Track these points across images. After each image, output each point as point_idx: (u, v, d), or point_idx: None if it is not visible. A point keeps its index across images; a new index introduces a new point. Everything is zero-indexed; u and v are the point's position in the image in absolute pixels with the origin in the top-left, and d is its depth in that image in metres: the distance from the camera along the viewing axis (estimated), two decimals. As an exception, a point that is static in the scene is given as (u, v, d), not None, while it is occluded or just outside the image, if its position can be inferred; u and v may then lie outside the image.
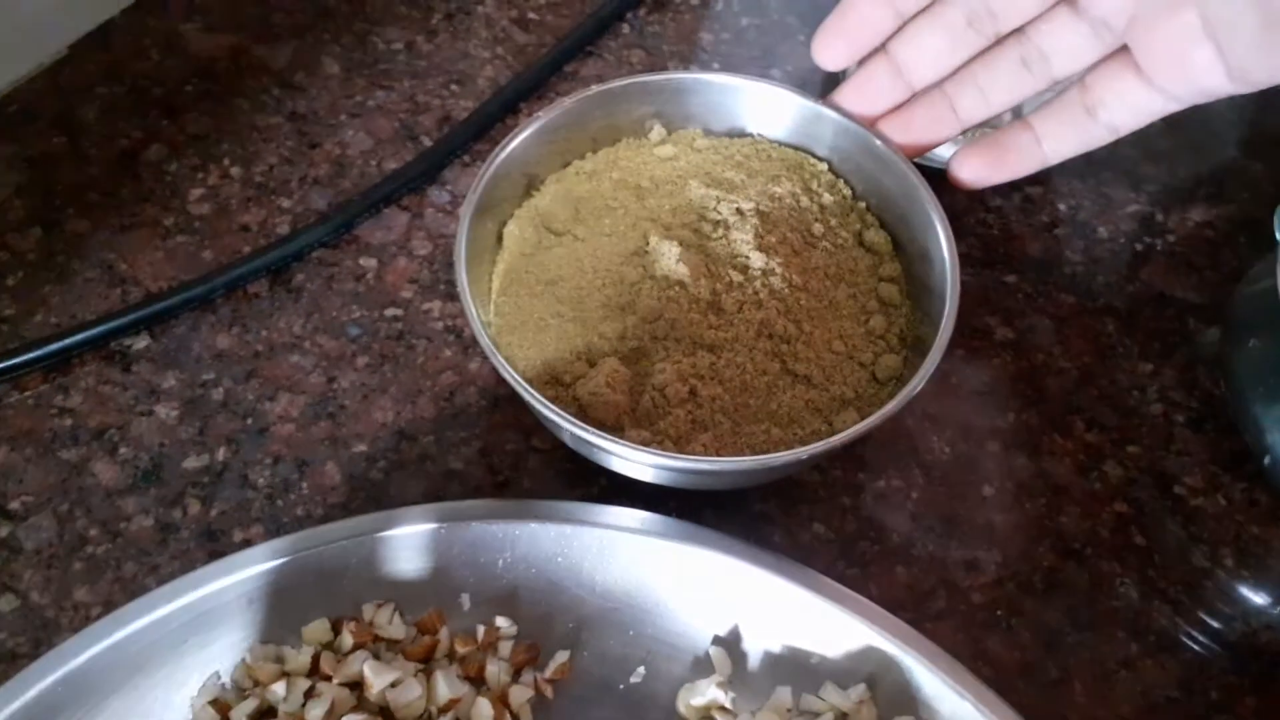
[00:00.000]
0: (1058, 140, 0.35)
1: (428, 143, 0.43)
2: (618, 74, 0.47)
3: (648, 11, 0.49)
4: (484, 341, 0.30)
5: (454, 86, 0.45)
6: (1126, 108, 0.34)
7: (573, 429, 0.29)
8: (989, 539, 0.34)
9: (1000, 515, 0.35)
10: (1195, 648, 0.33)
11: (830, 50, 0.36)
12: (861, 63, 0.36)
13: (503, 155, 0.34)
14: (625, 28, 0.48)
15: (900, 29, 0.35)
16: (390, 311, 0.38)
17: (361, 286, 0.38)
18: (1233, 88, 0.31)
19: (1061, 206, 0.43)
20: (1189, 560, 0.34)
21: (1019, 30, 0.34)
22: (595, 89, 0.36)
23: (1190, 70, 0.31)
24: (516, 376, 0.30)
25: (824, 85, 0.45)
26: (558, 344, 0.32)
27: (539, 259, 0.35)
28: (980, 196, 0.43)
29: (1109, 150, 0.44)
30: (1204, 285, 0.41)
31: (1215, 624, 0.33)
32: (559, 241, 0.35)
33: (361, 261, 0.39)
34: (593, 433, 0.29)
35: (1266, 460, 0.34)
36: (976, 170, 0.37)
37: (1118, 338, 0.39)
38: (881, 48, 0.36)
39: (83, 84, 0.44)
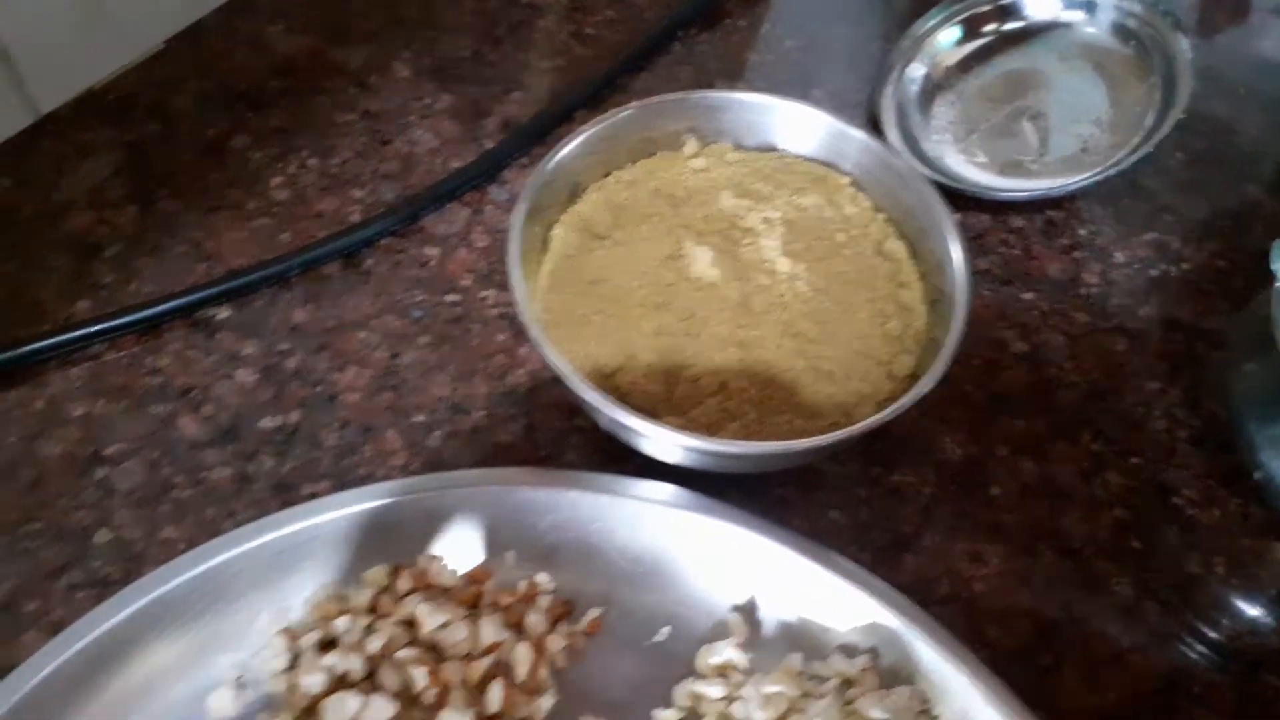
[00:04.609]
0: None
1: (489, 145, 0.46)
2: (665, 88, 0.50)
3: (698, 31, 0.52)
4: (535, 334, 0.33)
5: (515, 93, 0.49)
6: None
7: (611, 413, 0.32)
8: (994, 534, 0.37)
9: (1005, 514, 0.37)
10: (1182, 647, 0.35)
11: None
12: None
13: (551, 164, 0.37)
14: (676, 45, 0.51)
15: None
16: (450, 297, 0.41)
17: (425, 273, 0.42)
18: None
19: (1082, 231, 0.46)
20: (1182, 566, 0.37)
21: None
22: (635, 105, 0.39)
23: None
24: (564, 365, 0.33)
25: (862, 105, 0.48)
26: (600, 338, 0.35)
27: (582, 260, 0.38)
28: (1004, 218, 0.45)
29: (1131, 180, 0.47)
30: (1213, 312, 0.43)
31: (1202, 626, 0.36)
32: (601, 245, 0.38)
33: (425, 250, 0.42)
34: (629, 414, 0.32)
35: (1257, 475, 0.36)
36: None
37: (1127, 357, 0.42)
38: None
39: (176, 77, 0.48)
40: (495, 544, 0.33)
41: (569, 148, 0.38)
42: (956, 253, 0.36)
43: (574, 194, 0.40)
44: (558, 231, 0.39)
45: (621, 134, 0.40)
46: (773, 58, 0.52)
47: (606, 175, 0.40)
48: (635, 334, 0.36)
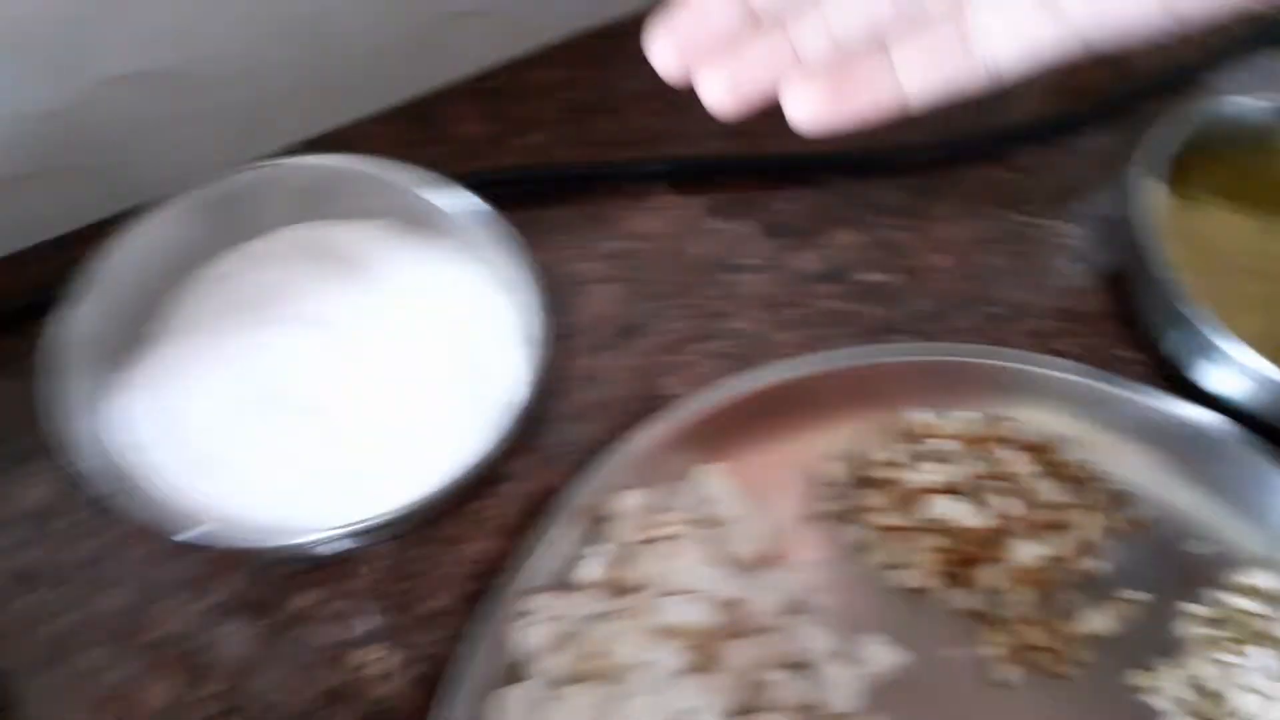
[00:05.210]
0: (917, 73, 0.28)
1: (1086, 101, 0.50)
2: (1235, 91, 0.52)
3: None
4: (1151, 242, 0.38)
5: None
6: (1011, 36, 0.27)
7: (1215, 330, 0.37)
8: None
9: None
10: None
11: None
12: None
13: (1175, 127, 0.42)
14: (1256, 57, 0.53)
15: None
16: (1021, 219, 0.46)
17: (1003, 194, 0.47)
18: (1160, 17, 0.25)
19: None
20: None
21: None
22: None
23: None
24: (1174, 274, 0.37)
25: None
26: (1197, 288, 0.39)
27: (1179, 218, 0.41)
28: None
29: None
30: None
31: None
32: (1198, 209, 0.42)
33: (1007, 175, 0.48)
34: (1232, 336, 0.36)
35: None
36: (813, 107, 0.28)
37: None
38: None
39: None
40: (1062, 424, 0.38)
41: (1188, 118, 0.42)
42: None
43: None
44: (1155, 185, 0.42)
45: (1225, 118, 0.43)
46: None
47: (1199, 152, 0.44)
48: (1233, 294, 0.39)
